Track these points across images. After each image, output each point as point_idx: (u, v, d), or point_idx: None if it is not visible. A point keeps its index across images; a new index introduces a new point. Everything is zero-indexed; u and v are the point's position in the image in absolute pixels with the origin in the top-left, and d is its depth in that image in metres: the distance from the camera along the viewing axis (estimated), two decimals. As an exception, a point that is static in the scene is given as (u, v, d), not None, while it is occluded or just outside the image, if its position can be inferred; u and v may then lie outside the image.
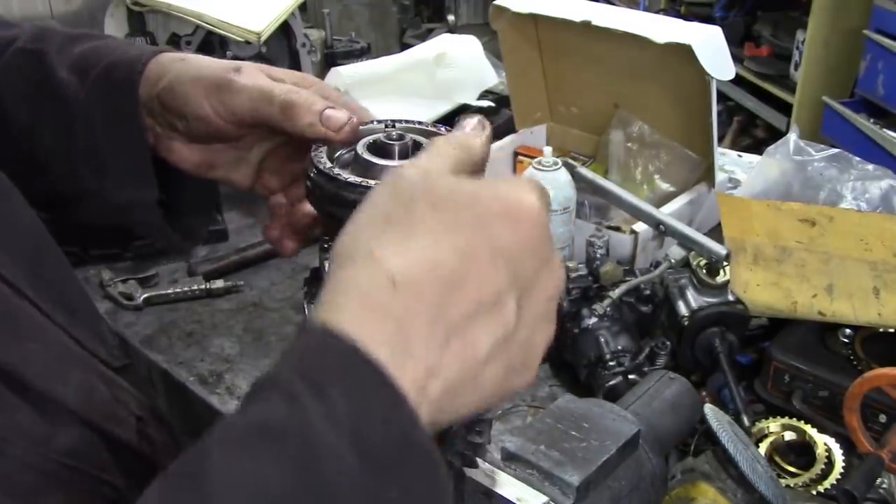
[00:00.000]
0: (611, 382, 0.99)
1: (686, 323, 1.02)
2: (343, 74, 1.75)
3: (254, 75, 0.62)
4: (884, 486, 0.88)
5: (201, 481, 0.33)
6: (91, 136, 0.65)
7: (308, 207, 0.66)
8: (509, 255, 0.41)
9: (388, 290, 0.38)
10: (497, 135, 1.67)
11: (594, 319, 1.05)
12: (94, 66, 0.65)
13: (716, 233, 1.19)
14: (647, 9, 4.15)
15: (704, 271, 1.05)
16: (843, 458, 0.92)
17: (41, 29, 0.70)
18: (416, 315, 0.38)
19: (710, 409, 0.83)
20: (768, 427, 0.98)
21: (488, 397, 0.42)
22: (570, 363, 1.08)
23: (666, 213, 1.18)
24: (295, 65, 1.74)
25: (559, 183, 1.17)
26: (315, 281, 0.73)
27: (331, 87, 0.66)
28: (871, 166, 1.34)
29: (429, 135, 0.59)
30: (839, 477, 0.90)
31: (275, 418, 0.35)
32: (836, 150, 1.37)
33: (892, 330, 1.03)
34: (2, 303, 0.52)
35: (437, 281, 0.39)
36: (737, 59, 3.15)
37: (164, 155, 0.66)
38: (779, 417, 0.99)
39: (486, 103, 1.82)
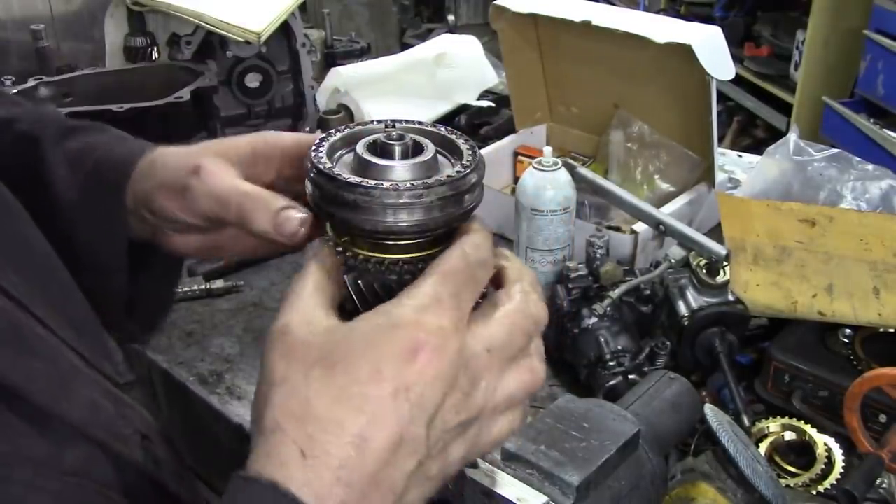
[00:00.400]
0: (611, 382, 1.00)
1: (686, 323, 1.02)
2: (343, 74, 1.75)
3: (212, 175, 0.61)
4: (884, 486, 0.88)
5: None
6: (75, 233, 0.66)
7: None
8: (415, 396, 0.43)
9: (300, 463, 0.42)
10: (497, 135, 1.68)
11: (594, 319, 1.05)
12: (86, 165, 0.66)
13: (716, 233, 1.19)
14: (647, 9, 4.15)
15: (704, 271, 1.05)
16: (843, 458, 0.92)
17: (40, 114, 0.72)
18: (332, 484, 0.42)
19: (710, 409, 0.83)
20: (768, 427, 0.98)
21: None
22: (570, 363, 1.08)
23: (666, 213, 1.18)
24: (295, 65, 1.74)
25: (559, 183, 1.17)
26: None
27: (290, 138, 0.63)
28: (871, 166, 1.34)
29: (429, 135, 0.59)
30: (839, 477, 0.90)
31: None
32: (836, 150, 1.36)
33: (892, 330, 1.03)
34: (5, 317, 0.51)
35: (348, 446, 0.42)
36: (737, 59, 3.16)
37: (165, 247, 0.67)
38: (779, 417, 0.99)
39: (486, 103, 1.83)
